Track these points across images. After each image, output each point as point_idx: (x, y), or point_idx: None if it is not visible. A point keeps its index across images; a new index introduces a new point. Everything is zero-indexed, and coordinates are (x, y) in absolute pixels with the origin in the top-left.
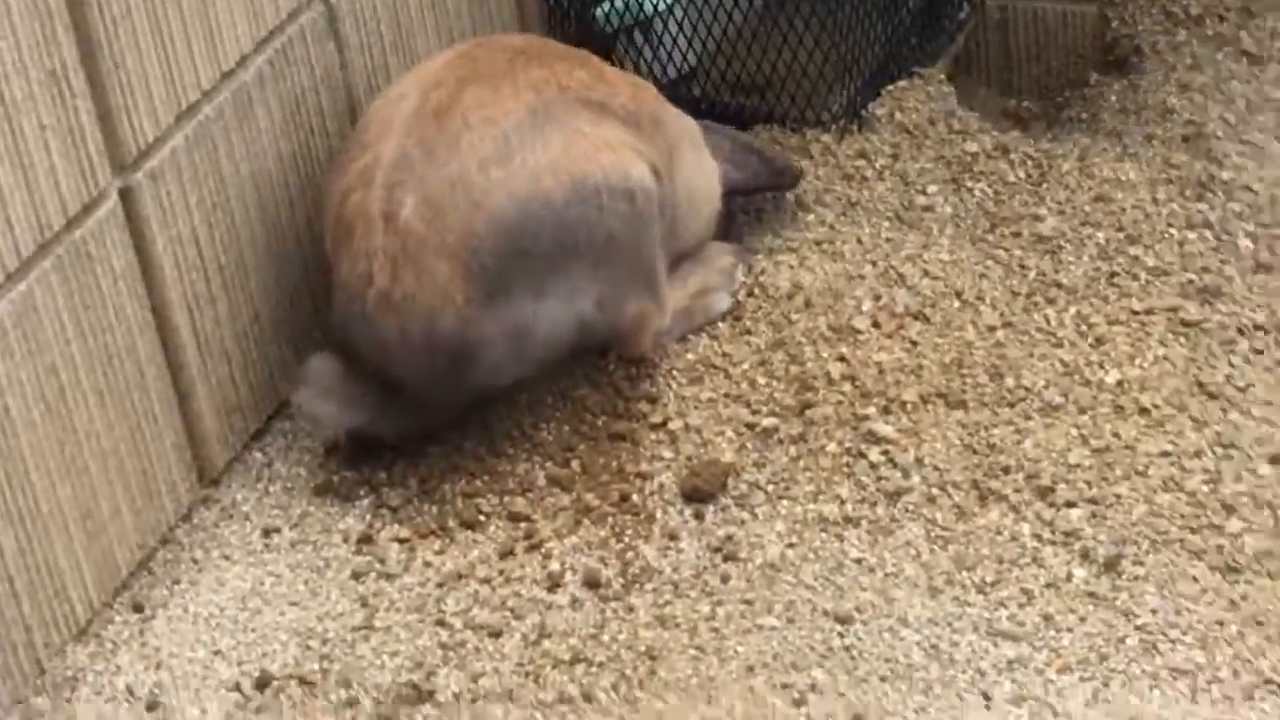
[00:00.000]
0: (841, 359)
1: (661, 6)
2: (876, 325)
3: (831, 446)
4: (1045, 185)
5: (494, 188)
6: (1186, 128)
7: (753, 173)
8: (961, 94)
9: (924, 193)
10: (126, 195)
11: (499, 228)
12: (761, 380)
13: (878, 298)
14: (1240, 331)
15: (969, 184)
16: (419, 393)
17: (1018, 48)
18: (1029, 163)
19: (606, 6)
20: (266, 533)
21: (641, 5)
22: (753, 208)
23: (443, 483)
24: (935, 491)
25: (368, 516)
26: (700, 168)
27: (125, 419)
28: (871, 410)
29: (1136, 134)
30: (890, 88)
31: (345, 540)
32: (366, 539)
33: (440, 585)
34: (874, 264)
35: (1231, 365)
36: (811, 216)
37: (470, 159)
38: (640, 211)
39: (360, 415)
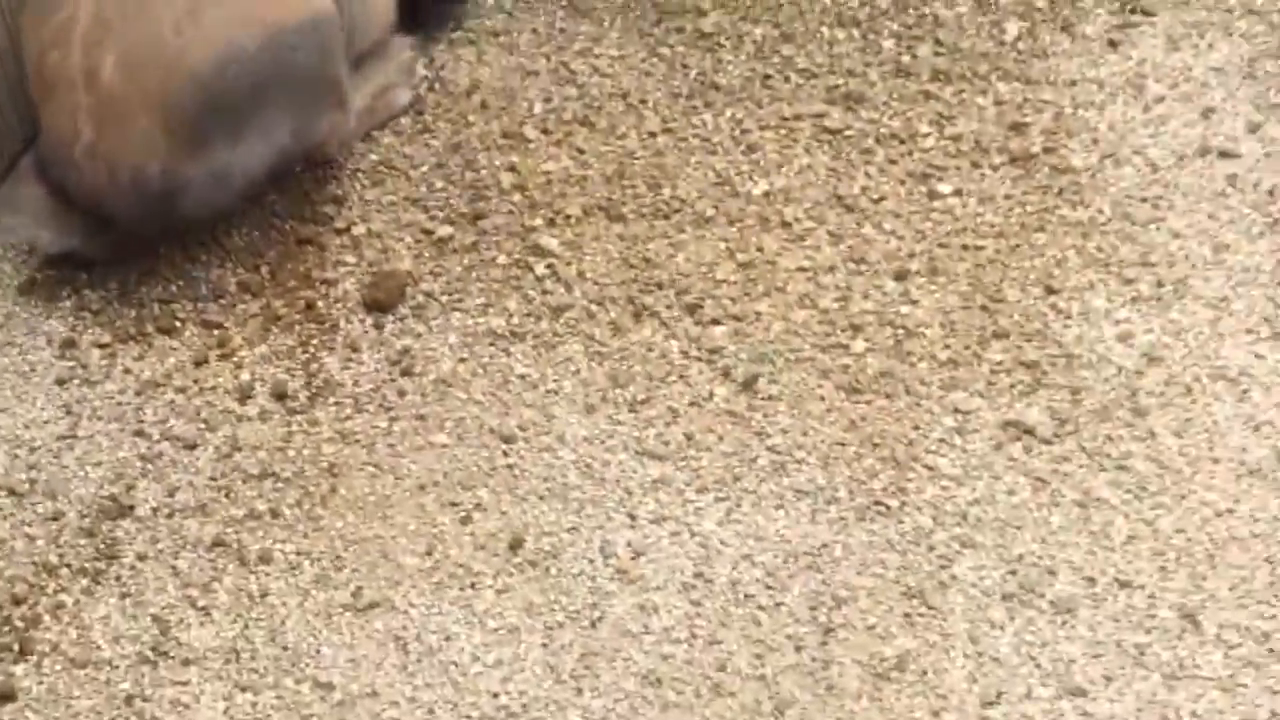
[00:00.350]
0: (512, 168)
1: None
2: (546, 132)
3: (501, 258)
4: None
5: (188, 45)
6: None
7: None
8: None
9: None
10: None
11: (195, 84)
12: (439, 184)
13: (548, 99)
14: (878, 140)
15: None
16: (129, 226)
17: None
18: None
19: None
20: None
21: None
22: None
23: (140, 286)
24: (594, 307)
25: (70, 319)
26: None
27: None
28: (539, 222)
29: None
30: None
31: (49, 344)
32: (70, 343)
33: (139, 394)
34: (547, 58)
35: (868, 176)
36: (491, 1)
37: (165, 18)
38: (326, 39)
39: (73, 240)
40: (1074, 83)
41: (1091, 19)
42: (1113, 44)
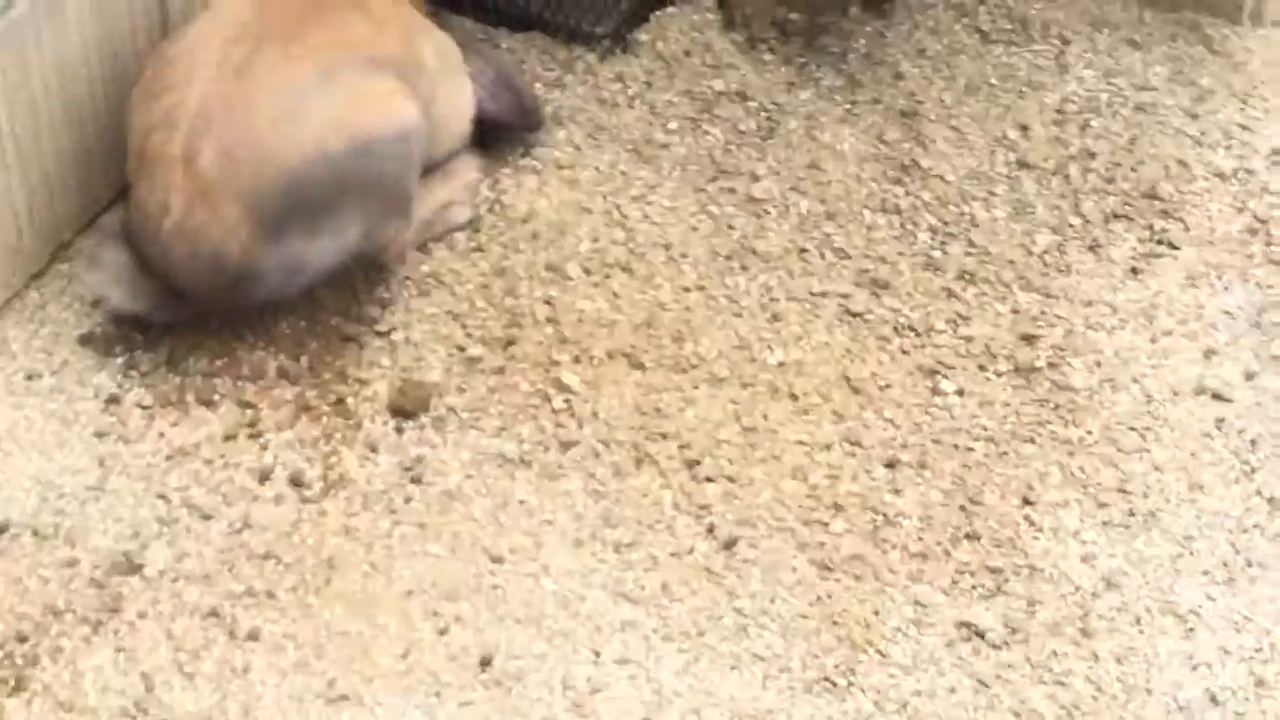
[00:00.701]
0: (549, 301)
1: None
2: (587, 272)
3: (524, 385)
4: (771, 141)
5: (282, 144)
6: (908, 100)
7: (505, 107)
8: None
9: (665, 128)
10: None
11: (284, 180)
12: (480, 304)
13: (596, 239)
14: (895, 329)
15: (706, 127)
16: (200, 301)
17: None
18: (762, 114)
19: None
20: (29, 376)
21: None
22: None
23: (188, 356)
24: (601, 447)
25: (119, 376)
26: (457, 94)
27: None
28: (565, 357)
29: (866, 94)
30: (659, 13)
31: (95, 396)
32: (114, 399)
33: (169, 458)
34: (603, 198)
35: (879, 363)
36: (562, 134)
37: (263, 117)
38: (409, 152)
39: (144, 303)
40: (1090, 303)
41: (1119, 242)
42: (1134, 271)
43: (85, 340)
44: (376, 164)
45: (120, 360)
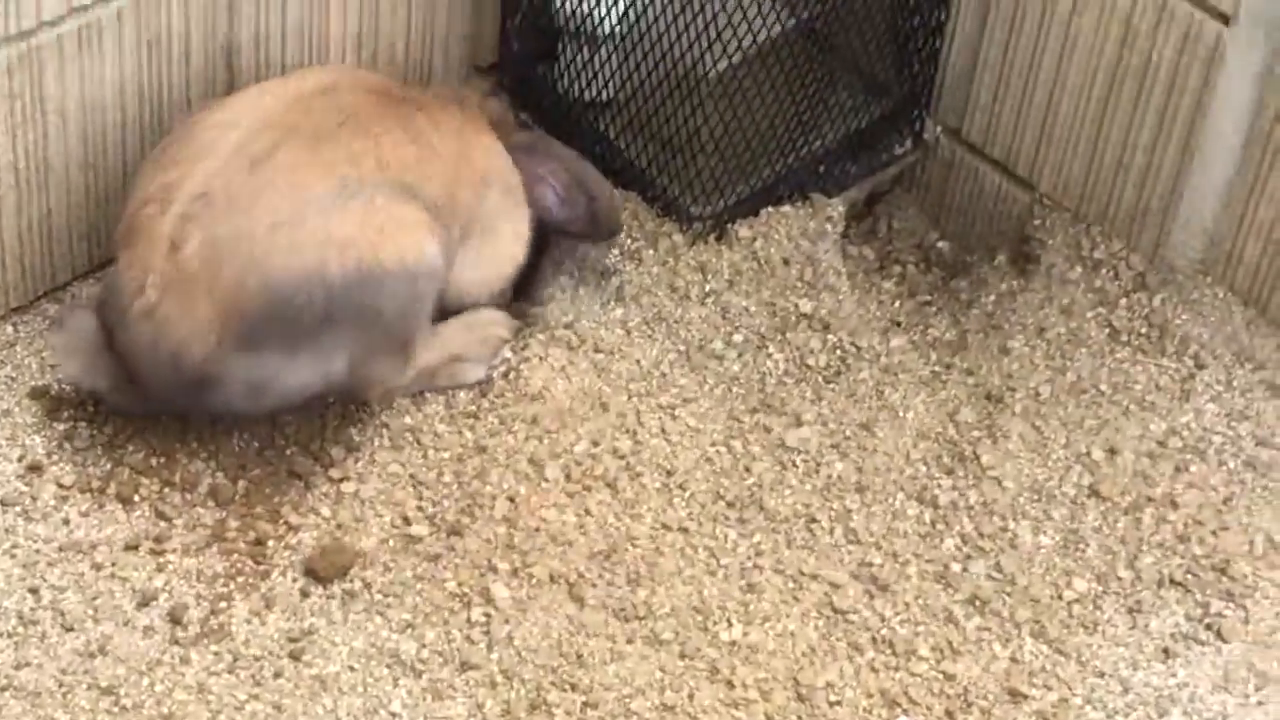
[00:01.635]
0: (513, 499)
1: (611, 30)
2: (569, 478)
3: (451, 583)
4: (833, 385)
5: (276, 252)
6: (1002, 381)
7: (573, 217)
8: (894, 205)
9: (728, 339)
10: None
11: (269, 290)
12: (446, 478)
13: (596, 443)
14: (873, 641)
15: (771, 349)
16: (153, 395)
17: (953, 194)
18: (837, 352)
19: (570, 4)
20: None
21: (597, 22)
22: (575, 266)
23: (128, 443)
24: (501, 678)
25: (52, 444)
26: (501, 242)
27: None
28: (504, 566)
29: (964, 360)
30: (773, 209)
31: (20, 459)
32: (36, 467)
33: (61, 550)
34: (629, 397)
35: (841, 674)
36: (618, 312)
37: (264, 217)
38: (419, 292)
39: (100, 382)
40: (1103, 675)
41: (1163, 613)
42: (1166, 653)
43: (37, 394)
44: (377, 297)
45: (61, 427)
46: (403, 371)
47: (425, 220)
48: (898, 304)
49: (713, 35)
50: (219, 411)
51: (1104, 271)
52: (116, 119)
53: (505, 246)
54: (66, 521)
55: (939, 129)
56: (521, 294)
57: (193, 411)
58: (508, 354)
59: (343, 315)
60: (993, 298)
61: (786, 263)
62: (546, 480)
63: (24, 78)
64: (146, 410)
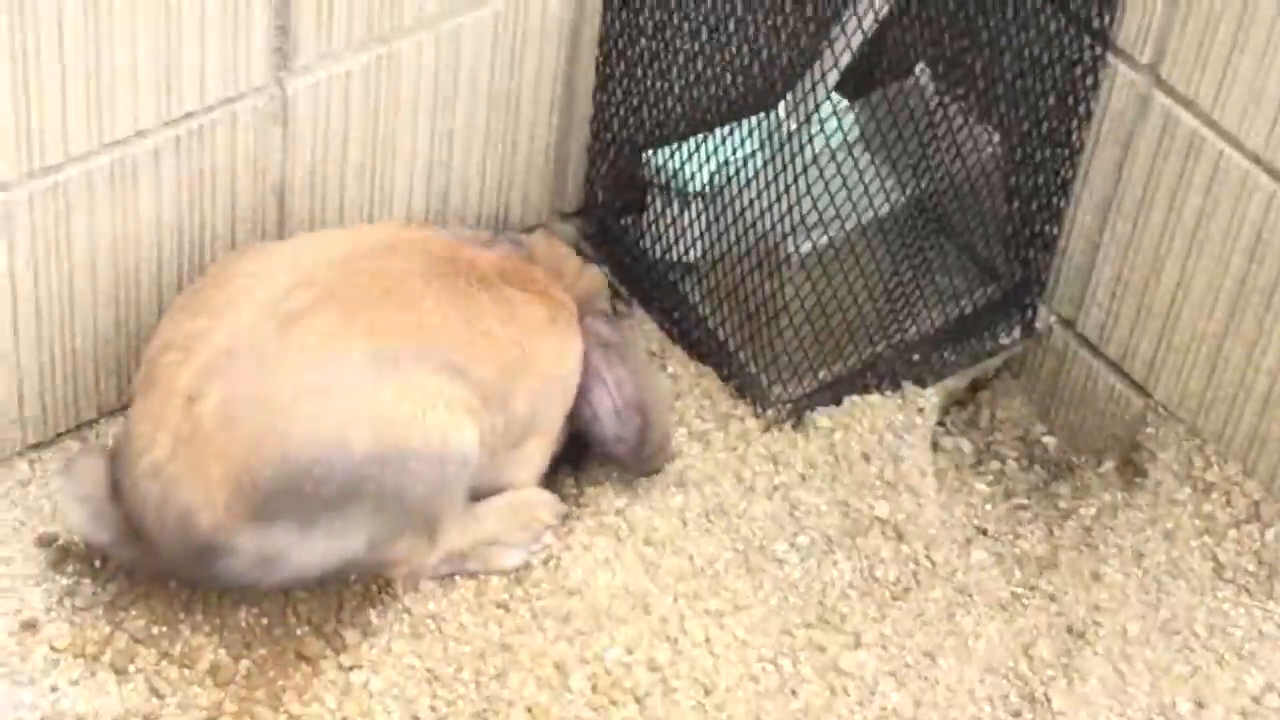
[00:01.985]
0: (531, 709)
1: (701, 189)
2: (594, 689)
3: None
4: (900, 603)
5: (298, 420)
6: (1088, 613)
7: (619, 437)
8: (998, 393)
9: (793, 540)
10: None
11: (285, 461)
12: (465, 675)
13: (631, 650)
14: None
15: (838, 556)
16: (161, 558)
17: (1063, 388)
18: (910, 565)
19: (659, 158)
20: None
21: (687, 179)
22: None
23: (130, 607)
24: None
25: (52, 600)
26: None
27: None
28: None
29: (1049, 583)
30: (859, 398)
31: (16, 612)
32: (31, 625)
33: None
34: (675, 599)
35: None
36: (677, 500)
37: (289, 382)
38: (448, 477)
39: (104, 536)
40: None
41: None
42: None
43: (44, 541)
44: (401, 478)
45: (64, 581)
46: (429, 553)
47: (466, 402)
48: (988, 507)
49: (805, 211)
50: (227, 582)
51: (1215, 496)
52: (152, 256)
53: (555, 443)
54: (54, 689)
55: (1053, 318)
56: (577, 465)
57: (199, 579)
58: (550, 539)
59: (364, 494)
60: (1093, 510)
61: (867, 458)
62: (570, 691)
63: (48, 213)
64: (153, 570)
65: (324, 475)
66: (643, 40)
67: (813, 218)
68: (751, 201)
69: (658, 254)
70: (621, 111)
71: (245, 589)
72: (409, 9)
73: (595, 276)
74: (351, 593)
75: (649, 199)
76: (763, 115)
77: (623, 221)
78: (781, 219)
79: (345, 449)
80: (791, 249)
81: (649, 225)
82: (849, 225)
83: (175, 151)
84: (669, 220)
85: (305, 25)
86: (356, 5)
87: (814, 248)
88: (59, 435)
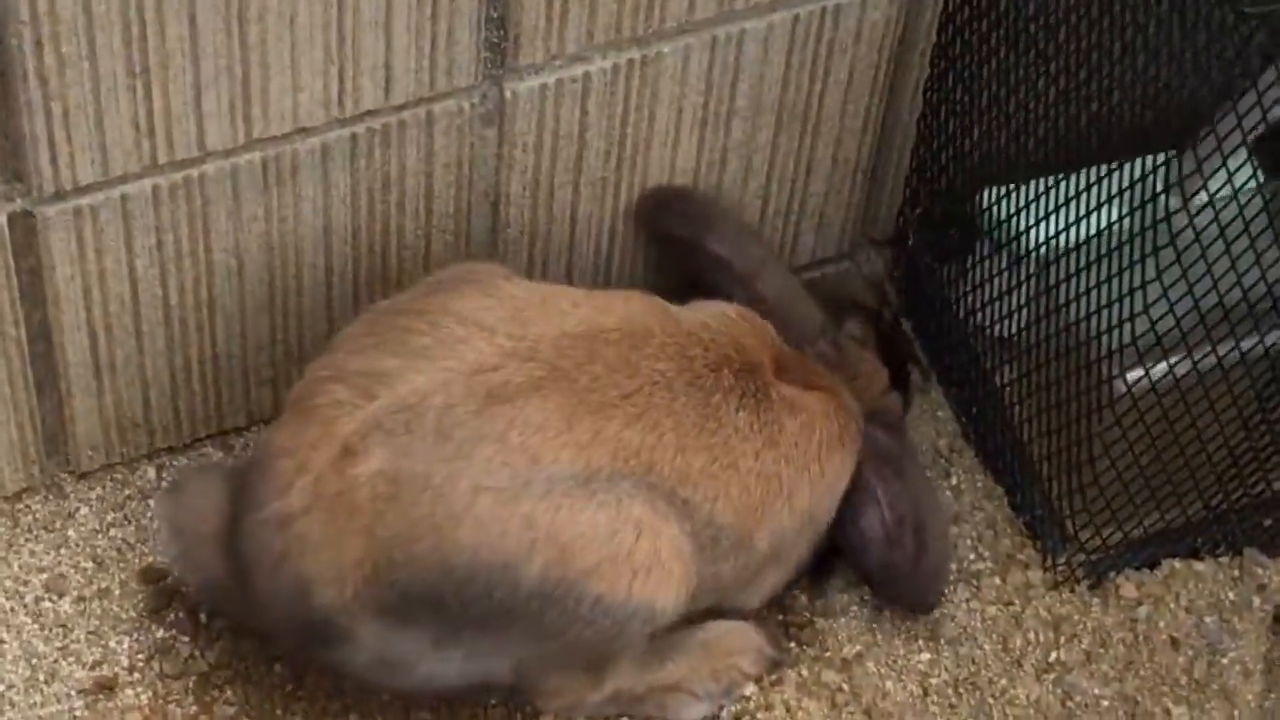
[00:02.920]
0: None
1: (1033, 250)
2: None
3: None
4: None
5: (467, 525)
6: None
7: (886, 564)
8: None
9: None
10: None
11: (438, 566)
12: None
13: None
14: None
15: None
16: (267, 620)
17: None
18: None
19: (993, 198)
20: (47, 589)
21: (1021, 230)
22: None
23: (225, 690)
24: None
25: (140, 653)
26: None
27: None
28: None
29: None
30: (1180, 563)
31: (94, 665)
32: (108, 685)
33: None
34: None
35: None
36: (923, 657)
37: (471, 473)
38: (628, 633)
39: (199, 576)
40: None
41: None
42: None
43: (149, 577)
44: (572, 622)
45: (160, 634)
46: (592, 691)
47: (680, 549)
48: None
49: (1163, 328)
50: (337, 668)
51: None
52: (318, 262)
53: (797, 572)
54: None
55: None
56: (818, 576)
57: (309, 657)
58: (749, 690)
59: (521, 623)
60: None
61: (1176, 644)
62: None
63: (178, 210)
64: (253, 628)
65: (478, 595)
66: (989, 58)
67: (1173, 337)
68: (1097, 286)
69: (971, 319)
70: (952, 141)
71: (359, 683)
72: (672, 9)
73: (896, 403)
74: (489, 715)
75: (973, 246)
76: (1138, 169)
77: (937, 269)
78: (1130, 320)
79: (513, 573)
80: (1137, 372)
81: (966, 278)
82: (1223, 351)
83: (349, 152)
84: (989, 275)
85: (530, 20)
86: (602, 5)
87: (1169, 373)
88: (196, 440)
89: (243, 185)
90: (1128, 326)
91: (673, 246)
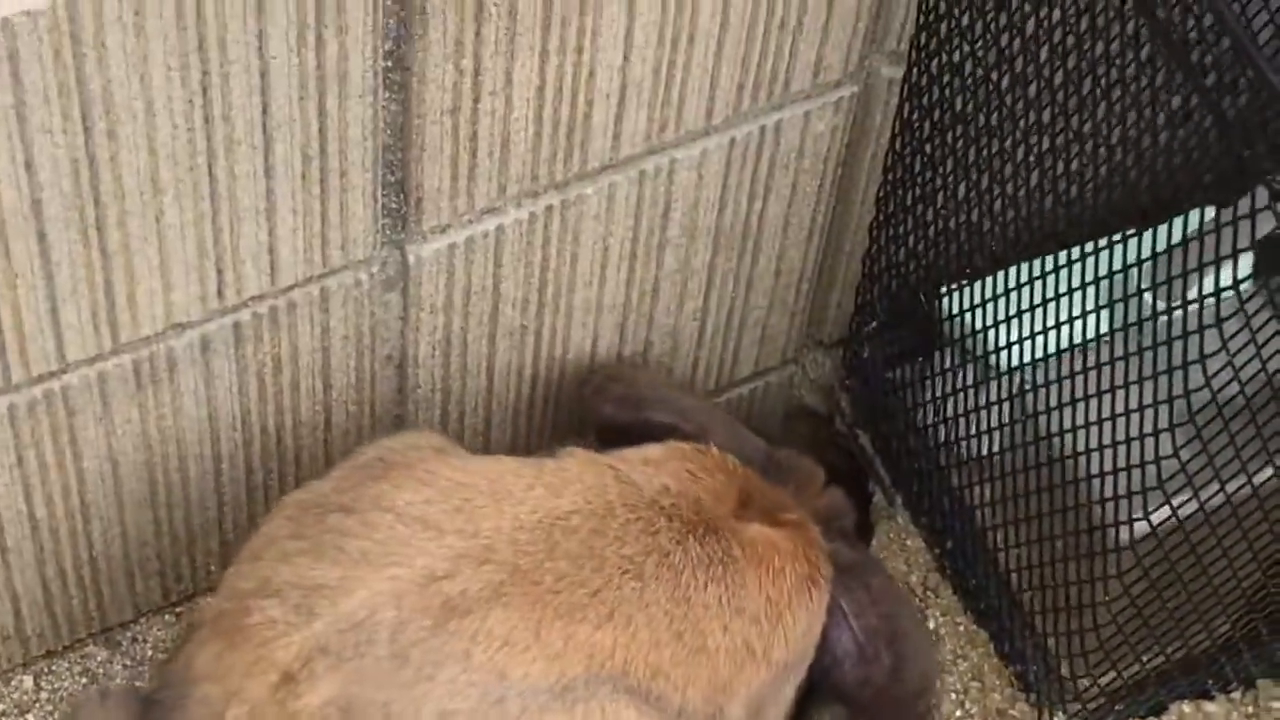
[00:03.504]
0: None
1: (1007, 368)
2: None
3: None
4: None
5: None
6: None
7: (862, 680)
8: None
9: None
10: None
11: None
12: None
13: None
14: None
15: None
16: None
17: None
18: None
19: (955, 305)
20: None
21: (991, 347)
22: None
23: None
24: None
25: None
26: None
27: None
28: None
29: None
30: (1190, 706)
31: None
32: None
33: None
34: None
35: None
36: None
37: (433, 696)
38: None
39: None
40: None
41: None
42: None
43: None
44: None
45: None
46: None
47: None
48: None
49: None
50: None
51: None
52: (203, 453)
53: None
54: None
55: None
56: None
57: None
58: None
59: None
60: None
61: None
62: None
63: (39, 425)
64: None
65: None
66: (947, 157)
67: (1177, 480)
68: (1093, 423)
69: (936, 433)
70: (905, 242)
71: None
72: (594, 149)
73: (838, 497)
74: None
75: (930, 361)
76: (1122, 269)
77: (891, 375)
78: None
79: None
80: (1136, 513)
81: (929, 387)
82: (1232, 489)
83: (232, 339)
84: (956, 387)
85: (432, 182)
86: (514, 155)
87: (1173, 515)
88: (77, 641)
89: (112, 391)
90: (1134, 471)
91: (616, 428)
